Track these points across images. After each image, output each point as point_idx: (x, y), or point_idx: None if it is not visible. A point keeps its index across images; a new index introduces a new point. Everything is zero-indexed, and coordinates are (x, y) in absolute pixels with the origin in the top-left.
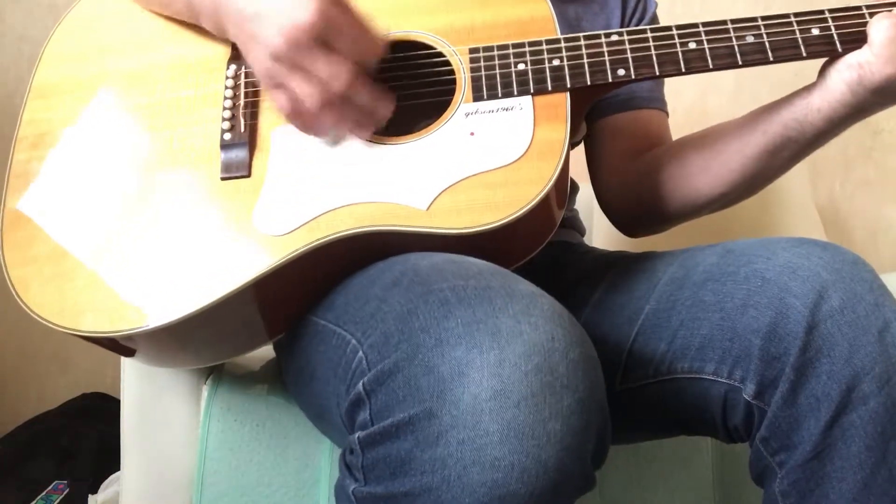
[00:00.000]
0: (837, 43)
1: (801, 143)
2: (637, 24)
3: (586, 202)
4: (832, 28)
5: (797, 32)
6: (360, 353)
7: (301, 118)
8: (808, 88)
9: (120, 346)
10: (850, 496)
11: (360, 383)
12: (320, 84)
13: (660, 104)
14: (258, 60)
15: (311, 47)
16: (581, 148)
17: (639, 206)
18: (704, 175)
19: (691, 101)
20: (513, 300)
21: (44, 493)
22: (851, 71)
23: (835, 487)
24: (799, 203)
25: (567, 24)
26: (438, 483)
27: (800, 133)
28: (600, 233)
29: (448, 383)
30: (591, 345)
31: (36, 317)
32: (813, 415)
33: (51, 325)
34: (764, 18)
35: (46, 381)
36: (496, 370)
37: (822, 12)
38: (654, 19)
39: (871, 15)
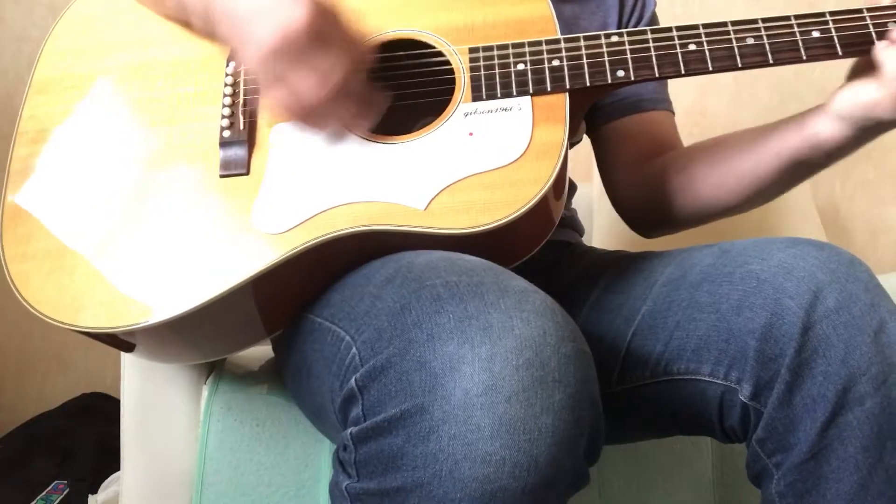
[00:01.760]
0: (838, 46)
1: (812, 164)
2: (635, 25)
3: (586, 202)
4: (833, 31)
5: (797, 35)
6: (354, 349)
7: (304, 112)
8: (818, 114)
9: (119, 341)
10: (848, 497)
11: (353, 379)
12: (320, 77)
13: (666, 105)
14: (255, 59)
15: (309, 43)
16: (579, 148)
17: (651, 211)
18: (718, 189)
19: (691, 102)
20: (505, 296)
21: (44, 493)
22: (862, 111)
23: (832, 488)
24: (799, 203)
25: (564, 23)
26: (430, 478)
27: (811, 156)
28: (599, 233)
29: (440, 378)
30: (583, 340)
31: (35, 312)
32: (809, 416)
33: (50, 321)
34: (764, 20)
35: (46, 381)
36: (487, 365)
37: (822, 14)
38: (653, 19)
39: (872, 18)
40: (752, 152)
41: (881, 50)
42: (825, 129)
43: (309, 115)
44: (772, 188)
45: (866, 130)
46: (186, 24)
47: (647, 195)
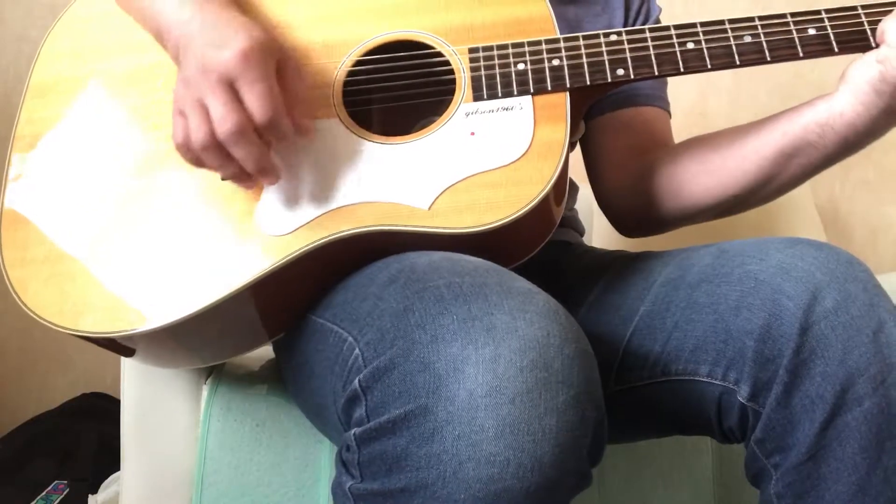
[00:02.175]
0: (834, 43)
1: (819, 149)
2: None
3: (586, 202)
4: (828, 28)
5: (794, 32)
6: (357, 350)
7: (187, 151)
8: (830, 94)
9: (119, 345)
10: (846, 498)
11: (357, 380)
12: (209, 122)
13: (662, 103)
14: (177, 81)
15: (217, 85)
16: (579, 149)
17: (637, 206)
18: (718, 174)
19: (690, 102)
20: (508, 297)
21: (44, 493)
22: (871, 69)
23: (830, 489)
24: (799, 203)
25: (567, 25)
26: (434, 479)
27: (820, 137)
28: (600, 233)
29: (443, 379)
30: (586, 341)
31: (35, 317)
32: (807, 416)
33: (51, 326)
34: (761, 18)
35: (46, 381)
36: (491, 366)
37: (818, 12)
38: (657, 24)
39: (867, 15)
40: (759, 132)
41: (883, 22)
42: (838, 102)
43: (190, 156)
44: (771, 175)
45: (879, 96)
46: (159, 40)
47: (635, 190)
